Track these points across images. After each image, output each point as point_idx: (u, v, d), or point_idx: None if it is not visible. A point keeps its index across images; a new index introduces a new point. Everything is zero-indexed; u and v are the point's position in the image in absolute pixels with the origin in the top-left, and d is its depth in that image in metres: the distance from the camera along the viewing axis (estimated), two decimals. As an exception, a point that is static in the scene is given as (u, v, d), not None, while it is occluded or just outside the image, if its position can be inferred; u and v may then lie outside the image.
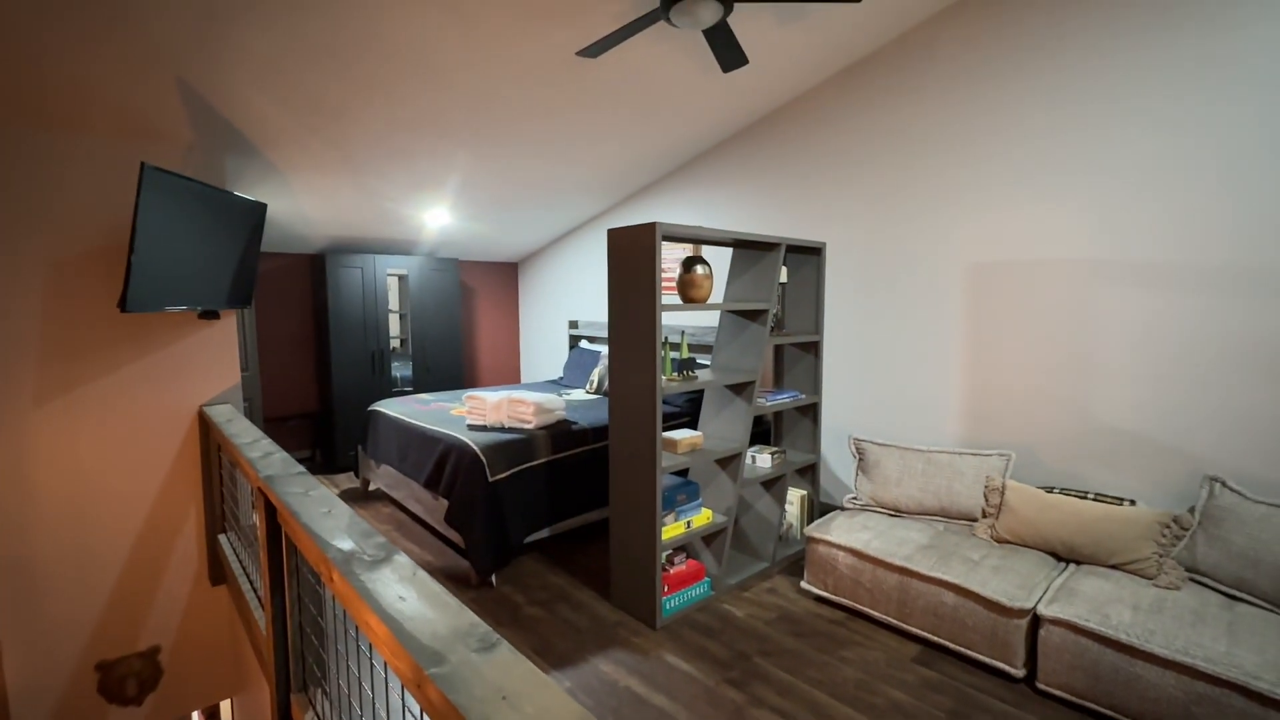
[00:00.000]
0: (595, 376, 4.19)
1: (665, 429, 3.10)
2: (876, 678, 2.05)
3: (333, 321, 4.45)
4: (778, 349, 3.16)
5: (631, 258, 2.31)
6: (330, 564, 1.18)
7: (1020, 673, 1.98)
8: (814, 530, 2.54)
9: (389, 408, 3.73)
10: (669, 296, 2.58)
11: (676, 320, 4.38)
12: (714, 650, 2.21)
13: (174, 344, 2.92)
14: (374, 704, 1.30)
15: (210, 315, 2.94)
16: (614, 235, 2.38)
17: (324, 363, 4.65)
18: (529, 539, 2.95)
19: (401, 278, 4.91)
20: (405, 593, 1.04)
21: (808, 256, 3.00)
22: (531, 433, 3.01)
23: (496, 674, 0.81)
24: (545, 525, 2.97)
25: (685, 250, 4.01)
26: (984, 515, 2.46)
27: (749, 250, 2.82)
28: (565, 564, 2.93)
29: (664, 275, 4.08)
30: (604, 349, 4.50)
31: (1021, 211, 2.64)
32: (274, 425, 4.62)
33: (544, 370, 5.74)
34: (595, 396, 4.09)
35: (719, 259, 3.46)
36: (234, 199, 2.77)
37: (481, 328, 5.89)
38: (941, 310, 2.92)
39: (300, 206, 3.78)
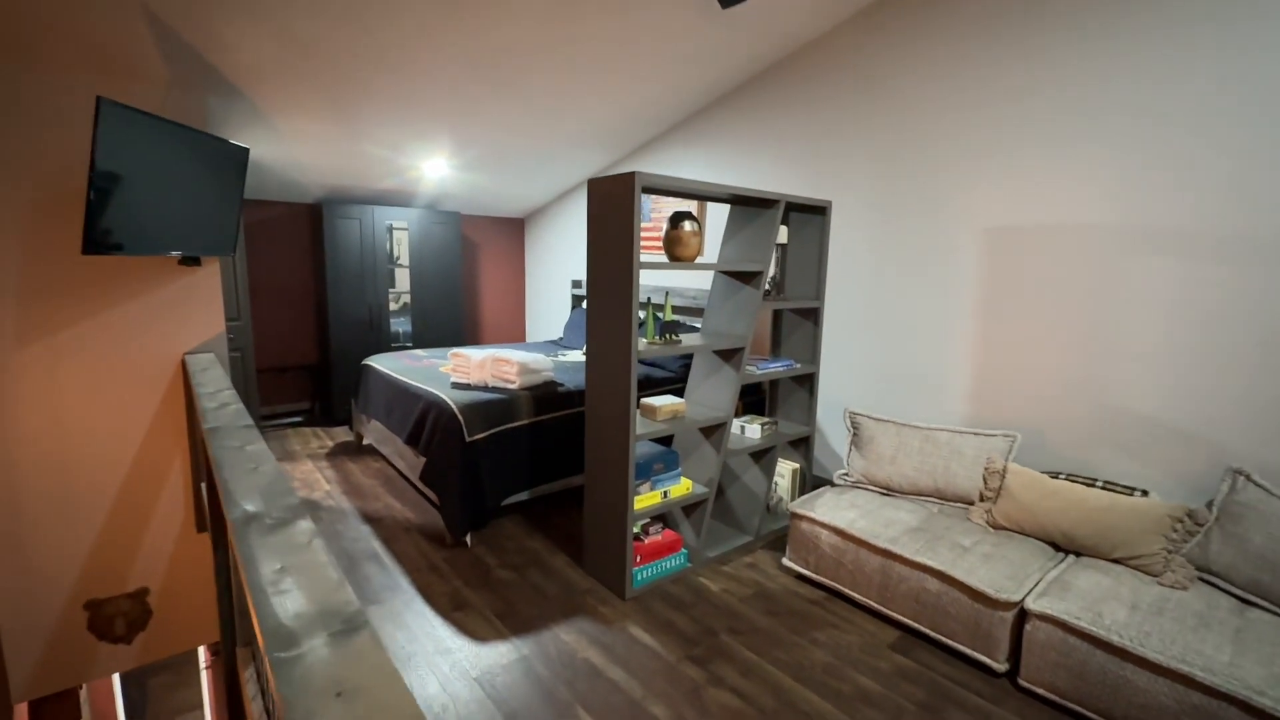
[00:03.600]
0: (592, 338, 4.07)
1: (655, 394, 2.98)
2: (847, 663, 1.94)
3: (330, 273, 4.38)
4: (777, 315, 2.99)
5: (610, 210, 2.15)
6: (229, 524, 1.10)
7: (1002, 667, 1.86)
8: (798, 506, 2.42)
9: (380, 362, 3.67)
10: (654, 255, 2.42)
11: (664, 281, 4.21)
12: (681, 625, 2.13)
13: (155, 290, 2.87)
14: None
15: (191, 261, 2.87)
16: (594, 186, 2.21)
17: (322, 315, 4.61)
18: (509, 500, 2.89)
19: (401, 230, 4.81)
20: (289, 562, 0.95)
21: (811, 217, 2.80)
22: (515, 393, 2.92)
23: (344, 665, 0.71)
24: (525, 488, 2.90)
25: (681, 207, 3.81)
26: (981, 499, 2.31)
27: (746, 208, 2.62)
28: (543, 528, 2.87)
29: (655, 233, 3.91)
30: (604, 310, 4.36)
31: (1044, 172, 2.39)
32: (270, 376, 4.63)
33: (548, 329, 5.64)
34: (591, 359, 3.98)
35: (721, 218, 3.27)
36: (210, 140, 2.66)
37: (486, 284, 5.78)
38: (953, 279, 2.70)
39: (291, 153, 3.66)
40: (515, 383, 2.95)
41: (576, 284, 5.03)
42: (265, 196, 4.42)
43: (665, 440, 2.76)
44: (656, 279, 4.21)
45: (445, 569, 2.49)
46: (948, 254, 2.71)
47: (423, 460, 2.84)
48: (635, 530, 2.33)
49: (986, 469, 2.31)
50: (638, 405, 2.34)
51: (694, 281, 4.03)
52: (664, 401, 2.42)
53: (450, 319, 5.02)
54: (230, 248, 2.97)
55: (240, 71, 2.66)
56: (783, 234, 2.82)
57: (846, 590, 2.26)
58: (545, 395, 2.99)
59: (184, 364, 2.95)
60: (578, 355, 4.07)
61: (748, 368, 2.59)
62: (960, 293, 2.68)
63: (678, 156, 4.00)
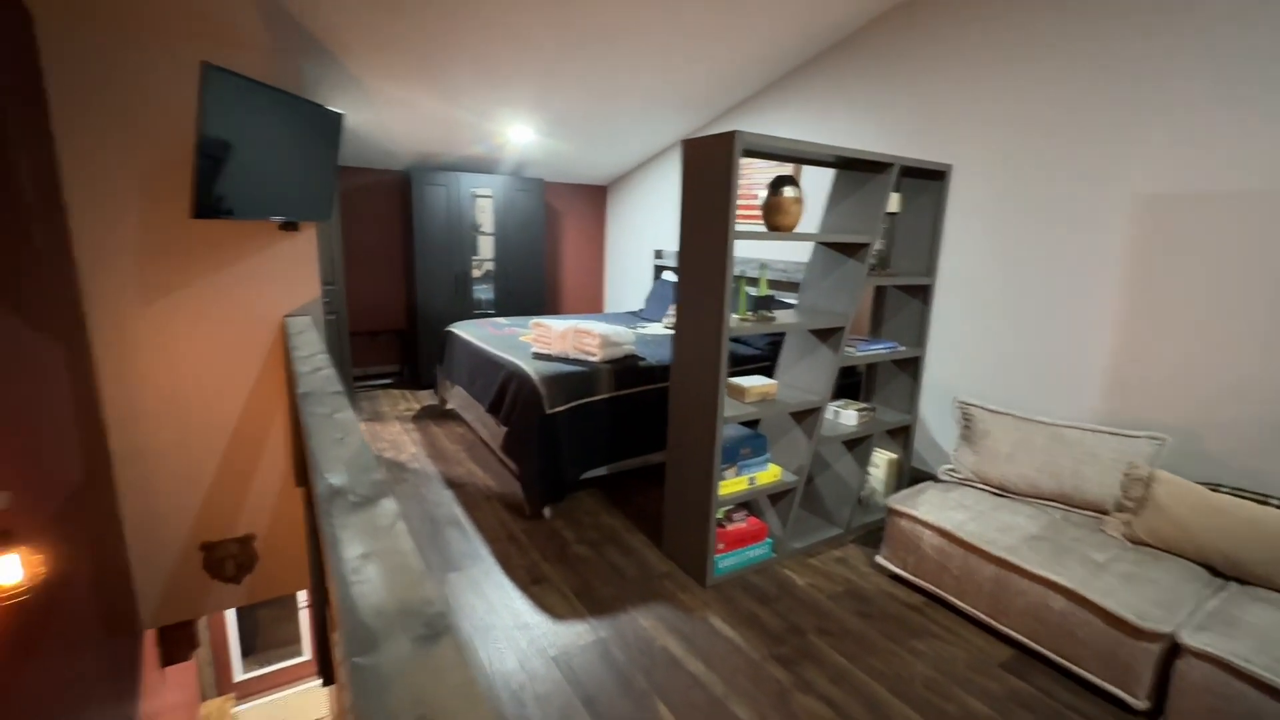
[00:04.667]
0: (674, 310, 3.93)
1: (737, 373, 2.82)
2: (952, 679, 1.76)
3: (418, 240, 4.46)
4: (879, 291, 2.73)
5: (706, 174, 1.99)
6: (315, 496, 1.07)
7: (1141, 705, 1.62)
8: (898, 502, 2.22)
9: (463, 330, 3.70)
10: (751, 224, 2.24)
11: (760, 252, 3.98)
12: (765, 620, 2.01)
13: (257, 254, 2.98)
14: None
15: (290, 227, 2.96)
16: (689, 147, 2.05)
17: (410, 281, 4.72)
18: (587, 475, 2.85)
19: (485, 197, 4.81)
20: (372, 548, 0.90)
21: (927, 183, 2.51)
22: (595, 366, 2.84)
23: (425, 677, 0.63)
24: (604, 463, 2.84)
25: (779, 172, 3.56)
26: (1119, 509, 2.02)
27: (853, 172, 2.38)
28: (621, 505, 2.81)
29: (749, 199, 3.68)
30: (687, 282, 4.20)
31: (1227, 128, 1.99)
32: (362, 340, 4.81)
33: (626, 300, 5.55)
34: (671, 332, 3.85)
35: (820, 184, 3.01)
36: (308, 106, 2.69)
37: (566, 253, 5.75)
38: (1096, 255, 2.35)
39: (382, 120, 3.70)
40: (597, 355, 2.87)
41: (659, 254, 4.89)
42: (358, 164, 4.53)
43: (752, 423, 2.61)
44: (752, 250, 4.00)
45: (524, 540, 2.48)
46: (1090, 225, 2.35)
47: (504, 430, 2.83)
48: (718, 516, 2.21)
49: (1127, 475, 2.01)
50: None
51: (789, 254, 3.79)
52: (753, 382, 2.26)
53: (531, 287, 5.03)
54: (327, 213, 3.03)
55: (333, 35, 2.66)
56: (893, 201, 2.54)
57: (950, 598, 2.05)
58: (626, 369, 2.90)
59: (284, 325, 3.08)
60: (659, 328, 3.96)
61: (846, 349, 2.38)
62: (1103, 270, 2.33)
63: (769, 119, 3.73)
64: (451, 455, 3.38)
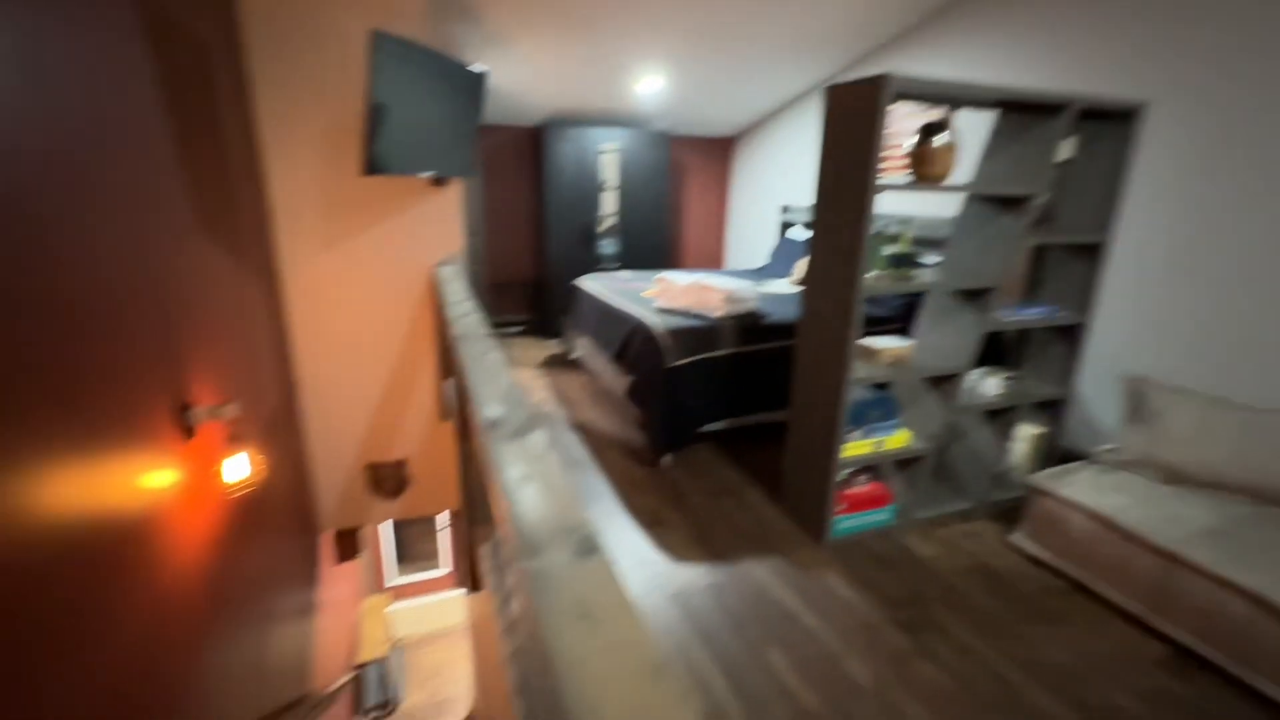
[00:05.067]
0: (799, 268, 3.80)
1: (867, 334, 2.70)
2: (1095, 670, 1.64)
3: (549, 194, 4.64)
4: (1038, 251, 2.47)
5: (849, 121, 1.88)
6: (475, 425, 1.20)
7: (1336, 728, 1.42)
8: (1046, 481, 2.05)
9: (589, 283, 3.84)
10: (895, 176, 2.10)
11: (903, 206, 3.70)
12: (885, 584, 1.98)
13: (412, 208, 3.27)
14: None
15: (439, 182, 3.20)
16: (834, 93, 1.94)
17: (541, 234, 4.94)
18: (707, 428, 2.90)
19: (612, 152, 4.87)
20: (528, 471, 1.00)
21: (1110, 126, 2.19)
22: (718, 322, 2.85)
23: (584, 585, 0.71)
24: (724, 417, 2.87)
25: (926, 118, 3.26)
26: (1329, 509, 1.73)
27: (1019, 115, 2.13)
28: (740, 459, 2.85)
29: (894, 150, 3.41)
30: (814, 238, 4.03)
31: None
32: (496, 290, 5.14)
33: (749, 257, 5.44)
34: (796, 290, 3.74)
35: (974, 131, 2.73)
36: (457, 66, 2.86)
37: (689, 207, 5.71)
38: (1333, 208, 1.95)
39: (519, 77, 3.83)
40: (720, 311, 2.87)
41: (786, 209, 4.72)
42: (494, 120, 4.75)
43: (881, 385, 2.50)
44: (894, 204, 3.73)
45: (644, 485, 2.60)
46: (1330, 173, 1.95)
47: (627, 380, 2.95)
48: (840, 478, 2.18)
49: (1347, 472, 1.71)
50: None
51: (932, 208, 3.50)
52: (886, 344, 2.16)
53: (654, 241, 5.07)
54: (471, 169, 3.24)
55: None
56: (1065, 148, 2.26)
57: (1098, 587, 1.89)
58: (749, 326, 2.88)
59: (434, 274, 3.38)
60: (783, 286, 3.86)
61: (995, 313, 2.19)
62: (1342, 228, 1.93)
63: (917, 60, 3.40)
64: (577, 401, 3.58)
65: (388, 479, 3.73)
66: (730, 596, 1.91)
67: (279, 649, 2.89)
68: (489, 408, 1.27)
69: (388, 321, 3.40)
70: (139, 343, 1.55)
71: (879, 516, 2.26)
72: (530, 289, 5.31)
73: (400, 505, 3.76)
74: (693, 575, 2.01)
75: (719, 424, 2.94)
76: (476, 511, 1.93)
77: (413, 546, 6.98)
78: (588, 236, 4.85)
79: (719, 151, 5.62)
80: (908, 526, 2.30)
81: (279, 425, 2.88)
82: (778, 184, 4.90)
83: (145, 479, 1.51)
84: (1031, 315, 2.26)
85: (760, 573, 2.03)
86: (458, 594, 6.72)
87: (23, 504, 1.13)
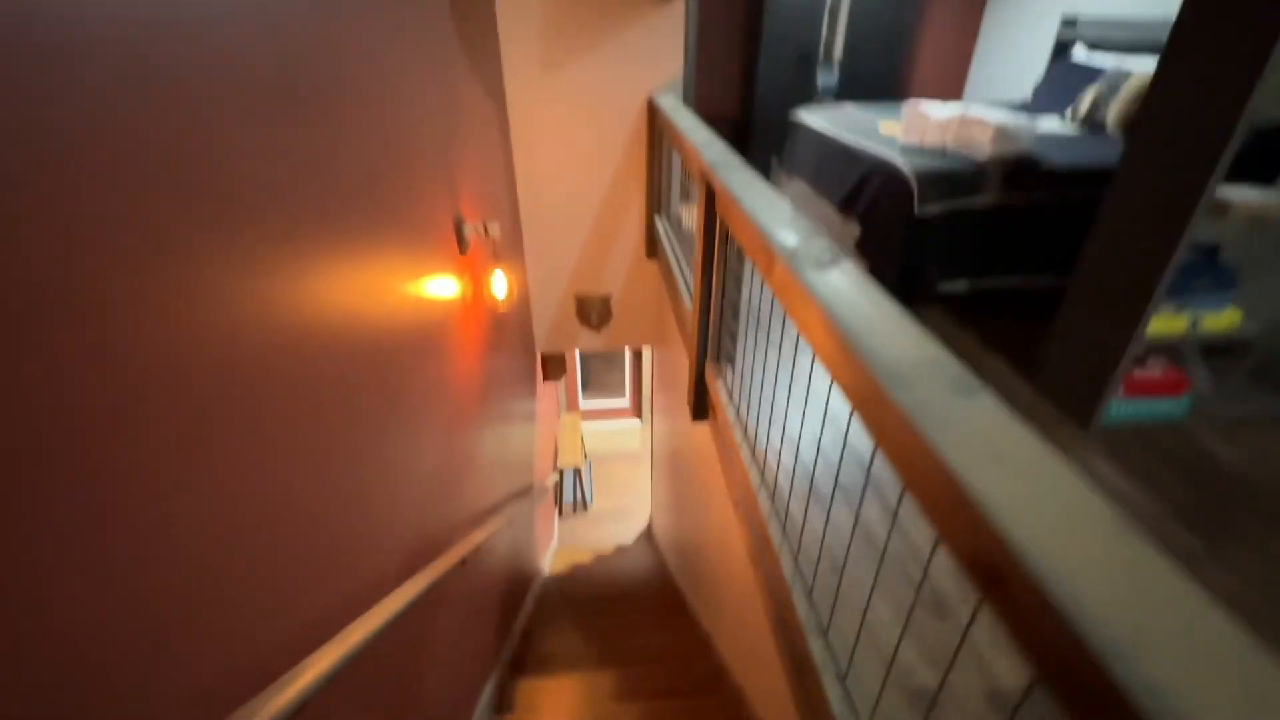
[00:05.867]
0: (1088, 101, 3.03)
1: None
2: None
3: (767, 19, 4.07)
4: None
5: None
6: (773, 255, 1.12)
7: None
8: None
9: (812, 118, 3.44)
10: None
11: None
12: (1169, 482, 1.72)
13: (631, 28, 3.05)
14: (775, 389, 1.34)
15: (663, -4, 2.92)
16: None
17: (750, 65, 4.45)
18: (942, 289, 2.61)
19: (850, -47, 4.07)
20: (858, 303, 0.92)
21: None
22: (982, 164, 2.41)
23: (981, 426, 0.64)
24: (968, 276, 2.54)
25: None
26: None
27: None
28: (978, 326, 2.54)
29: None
30: (1114, 63, 3.14)
31: None
32: (700, 125, 4.84)
33: (1001, 87, 4.48)
34: (1075, 131, 3.02)
35: None
36: None
37: (927, 26, 4.73)
38: None
39: None
40: (987, 151, 2.42)
41: (1070, 23, 3.70)
42: (715, -82, 4.14)
43: (1211, 249, 2.00)
44: None
45: (865, 341, 2.45)
46: None
47: (855, 227, 2.69)
48: (1131, 354, 1.84)
49: None
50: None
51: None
52: (1244, 196, 1.66)
53: (880, 69, 4.35)
54: (697, -23, 2.89)
55: None
56: None
57: None
58: (1020, 170, 2.40)
59: (650, 104, 3.22)
60: (1054, 124, 3.14)
61: None
62: None
63: None
64: (785, 249, 3.38)
65: (594, 311, 3.96)
66: (972, 465, 1.79)
67: (515, 444, 3.39)
68: (782, 235, 1.18)
69: (601, 150, 3.38)
70: (427, 160, 1.66)
71: (1166, 407, 1.92)
72: (733, 126, 4.94)
73: (604, 337, 4.02)
74: (928, 438, 1.90)
75: (958, 285, 2.62)
76: (708, 348, 1.95)
77: (596, 376, 7.64)
78: (805, 64, 4.27)
79: (983, -54, 4.46)
80: (1204, 424, 1.94)
81: (509, 252, 3.09)
82: (1064, -15, 3.81)
83: (441, 283, 1.70)
84: None
85: (1007, 447, 1.86)
86: (635, 423, 7.37)
87: (380, 295, 1.30)
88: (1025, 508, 0.56)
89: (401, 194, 1.43)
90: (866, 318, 0.87)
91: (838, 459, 1.49)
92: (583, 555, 4.85)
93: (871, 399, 0.75)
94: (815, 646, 1.10)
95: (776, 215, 1.26)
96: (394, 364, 1.33)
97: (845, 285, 0.96)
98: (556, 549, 5.16)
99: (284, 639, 0.92)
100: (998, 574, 0.55)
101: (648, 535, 5.38)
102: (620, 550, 5.10)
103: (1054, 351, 2.05)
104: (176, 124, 0.70)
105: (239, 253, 0.80)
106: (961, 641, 0.66)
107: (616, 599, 3.52)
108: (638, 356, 7.13)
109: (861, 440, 1.52)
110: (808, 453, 1.33)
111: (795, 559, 1.24)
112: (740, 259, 1.73)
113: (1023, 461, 0.59)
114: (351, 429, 1.14)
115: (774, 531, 1.31)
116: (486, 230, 1.84)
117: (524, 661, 2.40)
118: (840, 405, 0.99)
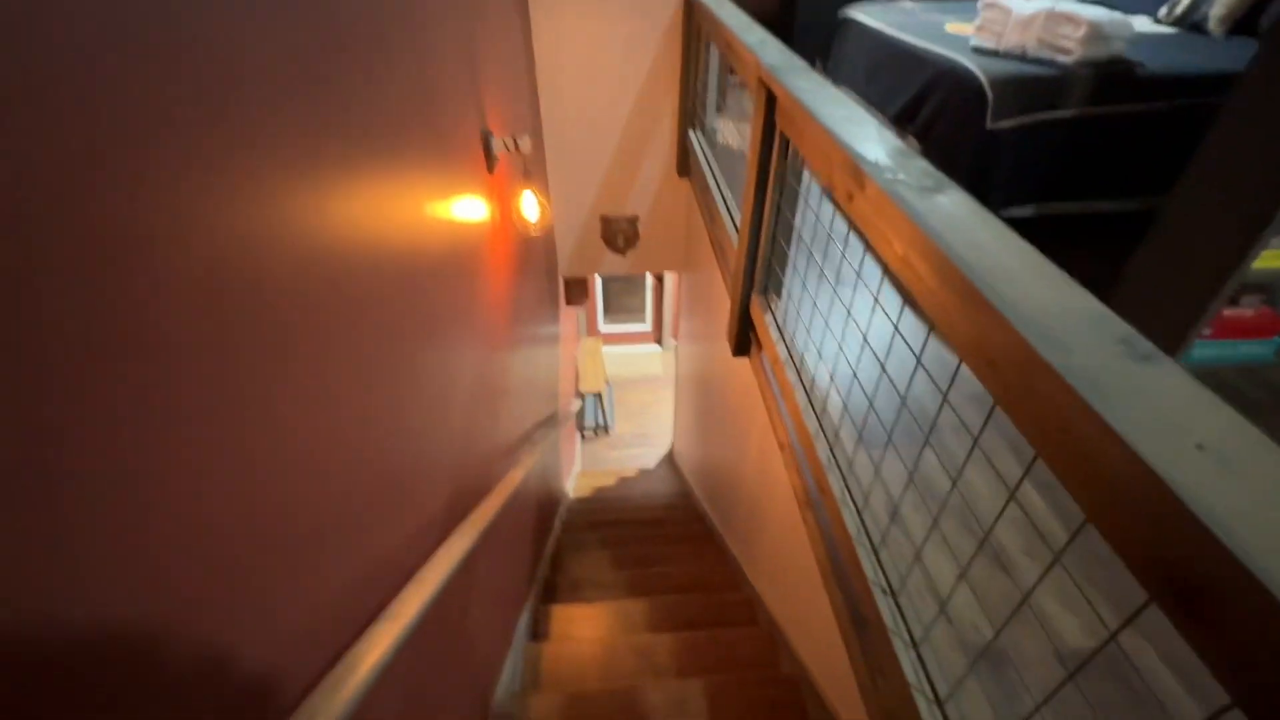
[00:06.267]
0: (1187, -5, 2.65)
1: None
2: None
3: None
4: None
5: None
6: (861, 177, 0.96)
7: None
8: None
9: (865, 15, 3.08)
10: None
11: None
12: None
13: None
14: (844, 329, 1.21)
15: None
16: None
17: (796, -51, 3.96)
18: (1004, 214, 2.39)
19: None
20: (981, 239, 0.77)
21: None
22: (1069, 68, 2.13)
23: (1172, 403, 0.52)
24: (1034, 200, 2.32)
25: None
26: None
27: None
28: (1045, 253, 2.34)
29: None
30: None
31: None
32: (736, 26, 4.41)
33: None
34: (1171, 29, 2.67)
35: None
36: None
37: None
38: None
39: None
40: (1074, 53, 2.12)
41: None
42: None
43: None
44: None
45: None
46: None
47: (913, 143, 2.44)
48: (1225, 291, 1.68)
49: None
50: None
51: None
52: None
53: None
54: None
55: None
56: None
57: None
58: (1111, 77, 2.12)
59: (687, 3, 2.87)
60: (1144, 24, 2.78)
61: None
62: None
63: None
64: (828, 168, 3.13)
65: (619, 233, 3.77)
66: (1036, 408, 1.68)
67: (540, 367, 3.33)
68: (863, 148, 1.02)
69: (630, 58, 3.08)
70: (450, 69, 1.47)
71: (1255, 349, 1.77)
72: (769, 27, 4.49)
73: (629, 260, 3.86)
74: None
75: (1024, 210, 2.40)
76: (755, 280, 1.81)
77: (616, 300, 7.50)
78: (857, -49, 3.78)
79: None
80: (1292, 367, 1.79)
81: (534, 168, 2.88)
82: None
83: (470, 204, 1.55)
84: None
85: (1075, 389, 1.74)
86: (655, 348, 7.30)
87: (406, 214, 1.17)
88: (1247, 511, 0.44)
89: (427, 106, 1.26)
90: (995, 258, 0.74)
91: (930, 412, 1.38)
92: (606, 479, 4.91)
93: (1010, 361, 0.63)
94: (883, 605, 1.04)
95: (862, 130, 1.09)
96: (423, 287, 1.22)
97: (963, 216, 0.81)
98: (579, 473, 5.24)
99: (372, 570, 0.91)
100: (1198, 586, 0.45)
101: (670, 459, 5.42)
102: (643, 474, 5.16)
103: (1134, 285, 1.88)
104: (195, 27, 0.56)
105: (263, 166, 0.67)
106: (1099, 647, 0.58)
107: (644, 524, 3.57)
108: (660, 280, 6.94)
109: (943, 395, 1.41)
110: (884, 404, 1.22)
111: (859, 514, 1.16)
112: (799, 179, 1.55)
113: (1236, 451, 0.47)
114: (390, 354, 1.05)
115: (835, 483, 1.23)
116: (516, 145, 1.67)
117: (556, 587, 2.44)
118: (907, 351, 0.87)
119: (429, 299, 1.24)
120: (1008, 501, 0.69)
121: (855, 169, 0.99)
